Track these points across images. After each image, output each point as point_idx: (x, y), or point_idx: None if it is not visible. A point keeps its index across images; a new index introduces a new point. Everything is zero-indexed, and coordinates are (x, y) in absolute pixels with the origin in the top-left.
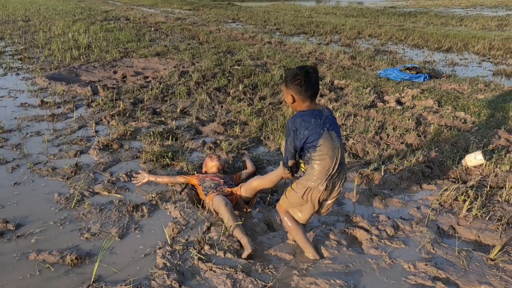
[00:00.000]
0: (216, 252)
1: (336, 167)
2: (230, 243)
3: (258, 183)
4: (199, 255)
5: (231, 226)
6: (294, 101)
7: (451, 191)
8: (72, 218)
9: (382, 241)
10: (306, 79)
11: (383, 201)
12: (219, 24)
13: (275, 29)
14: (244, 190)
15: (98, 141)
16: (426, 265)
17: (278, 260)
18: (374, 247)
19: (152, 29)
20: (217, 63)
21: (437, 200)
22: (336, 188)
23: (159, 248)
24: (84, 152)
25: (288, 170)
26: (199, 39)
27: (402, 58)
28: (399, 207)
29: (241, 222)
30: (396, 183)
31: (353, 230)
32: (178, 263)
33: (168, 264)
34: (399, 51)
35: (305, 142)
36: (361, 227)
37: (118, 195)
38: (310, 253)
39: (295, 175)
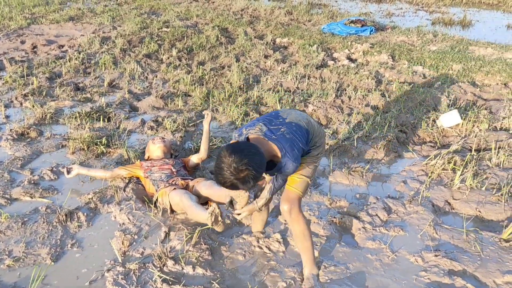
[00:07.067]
0: (183, 268)
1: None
2: (199, 253)
3: (209, 194)
4: (162, 276)
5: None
6: (262, 169)
7: (437, 159)
8: None
9: (377, 229)
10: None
11: (364, 176)
12: None
13: None
14: (197, 193)
15: (11, 130)
16: (436, 256)
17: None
18: (370, 238)
19: None
20: (142, 26)
21: (422, 171)
22: None
23: (108, 270)
24: None
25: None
26: (117, 0)
27: (338, 11)
28: (383, 182)
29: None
30: (372, 153)
31: (341, 218)
32: None
33: None
34: (332, 3)
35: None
36: (349, 214)
37: (45, 200)
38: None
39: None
